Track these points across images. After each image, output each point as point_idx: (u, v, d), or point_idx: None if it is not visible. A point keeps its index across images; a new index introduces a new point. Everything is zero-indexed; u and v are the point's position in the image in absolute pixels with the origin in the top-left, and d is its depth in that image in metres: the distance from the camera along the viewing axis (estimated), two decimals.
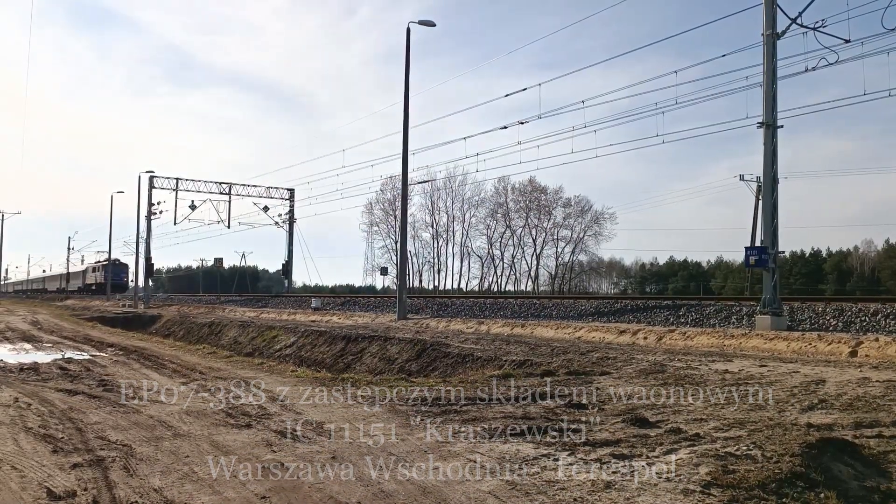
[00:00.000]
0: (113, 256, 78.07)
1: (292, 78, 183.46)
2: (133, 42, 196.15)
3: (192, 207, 50.62)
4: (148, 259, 49.80)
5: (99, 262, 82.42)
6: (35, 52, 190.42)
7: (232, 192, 52.55)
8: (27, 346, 16.97)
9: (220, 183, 52.27)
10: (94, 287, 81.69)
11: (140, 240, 51.39)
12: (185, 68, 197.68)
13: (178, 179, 50.28)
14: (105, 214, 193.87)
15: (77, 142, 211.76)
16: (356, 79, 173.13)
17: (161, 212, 49.84)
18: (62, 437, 6.10)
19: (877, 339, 11.74)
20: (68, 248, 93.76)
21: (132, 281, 72.21)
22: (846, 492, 4.18)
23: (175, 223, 50.81)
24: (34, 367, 11.34)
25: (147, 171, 49.31)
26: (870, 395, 7.22)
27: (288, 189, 55.14)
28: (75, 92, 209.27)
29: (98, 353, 14.76)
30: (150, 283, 54.69)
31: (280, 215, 55.65)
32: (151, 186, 49.07)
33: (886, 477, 4.52)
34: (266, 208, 54.59)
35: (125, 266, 78.87)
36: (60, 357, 13.76)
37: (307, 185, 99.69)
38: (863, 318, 14.43)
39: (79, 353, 14.94)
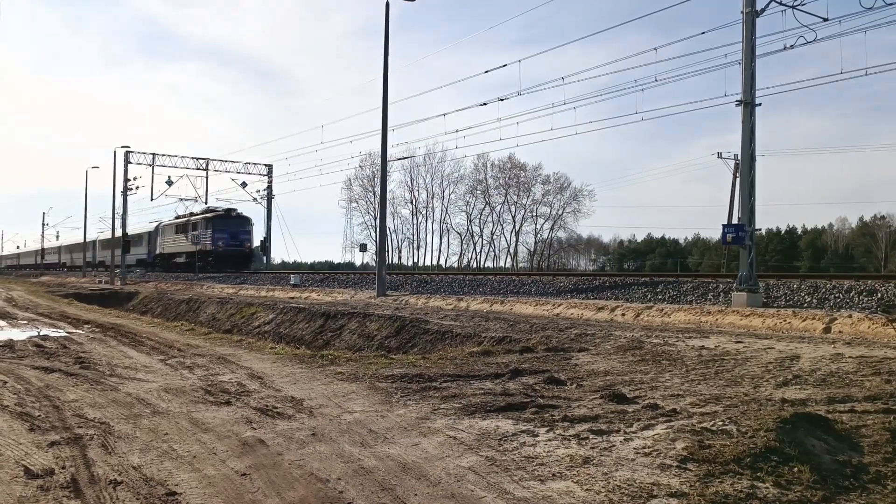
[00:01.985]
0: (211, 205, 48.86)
1: (269, 51, 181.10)
2: (106, 13, 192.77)
3: (169, 183, 50.11)
4: (125, 235, 49.24)
5: (193, 214, 50.04)
6: (5, 23, 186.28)
7: (209, 167, 51.99)
8: (1, 322, 16.75)
9: (197, 158, 51.68)
10: (181, 259, 49.32)
11: (116, 216, 50.69)
12: (160, 41, 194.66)
13: (154, 155, 49.65)
14: (79, 190, 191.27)
15: (49, 116, 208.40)
16: (334, 53, 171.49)
17: (137, 187, 49.14)
18: (39, 416, 6.05)
19: (850, 316, 11.91)
20: (43, 224, 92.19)
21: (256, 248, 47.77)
22: (819, 466, 4.25)
23: (152, 199, 50.05)
24: (9, 345, 11.22)
25: (122, 147, 48.46)
26: (843, 371, 7.34)
27: (266, 165, 54.69)
28: (47, 65, 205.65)
29: (75, 331, 14.62)
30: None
31: (258, 191, 55.24)
32: (127, 162, 48.39)
33: (858, 451, 4.60)
34: (244, 184, 54.12)
35: (247, 221, 48.54)
36: (36, 334, 13.61)
37: (285, 161, 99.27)
38: (836, 295, 14.63)
39: (55, 330, 14.79)
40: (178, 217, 52.18)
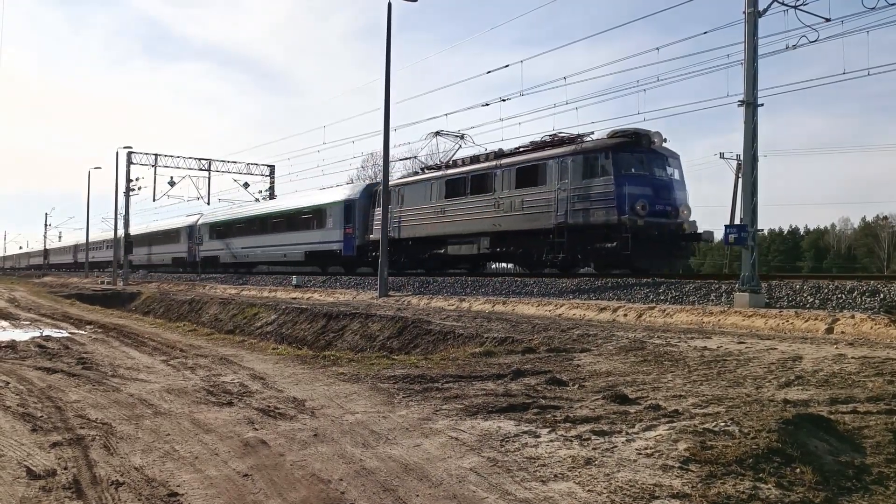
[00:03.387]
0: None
1: (271, 52, 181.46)
2: (108, 14, 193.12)
3: (171, 184, 50.29)
4: (127, 236, 49.26)
5: (503, 153, 24.79)
6: (7, 24, 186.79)
7: (211, 168, 52.11)
8: (4, 323, 16.78)
9: (200, 159, 51.79)
10: (475, 245, 26.06)
11: (118, 216, 50.75)
12: (162, 41, 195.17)
13: (156, 155, 49.79)
14: (80, 190, 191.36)
15: (51, 116, 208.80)
16: (336, 53, 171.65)
17: (139, 188, 49.37)
18: (41, 416, 6.06)
19: (853, 316, 11.88)
20: (45, 225, 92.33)
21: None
22: (822, 467, 4.25)
23: (154, 199, 50.16)
24: (11, 345, 11.22)
25: (125, 147, 48.57)
26: (845, 372, 7.33)
27: (268, 165, 54.78)
28: (49, 65, 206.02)
29: (77, 331, 14.63)
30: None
31: (260, 192, 55.31)
32: (129, 162, 48.46)
33: (861, 452, 4.60)
34: (246, 185, 54.21)
35: (675, 158, 21.19)
36: (38, 335, 13.62)
37: (288, 162, 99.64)
38: (839, 296, 14.61)
39: (57, 330, 14.81)
40: (433, 168, 27.88)
